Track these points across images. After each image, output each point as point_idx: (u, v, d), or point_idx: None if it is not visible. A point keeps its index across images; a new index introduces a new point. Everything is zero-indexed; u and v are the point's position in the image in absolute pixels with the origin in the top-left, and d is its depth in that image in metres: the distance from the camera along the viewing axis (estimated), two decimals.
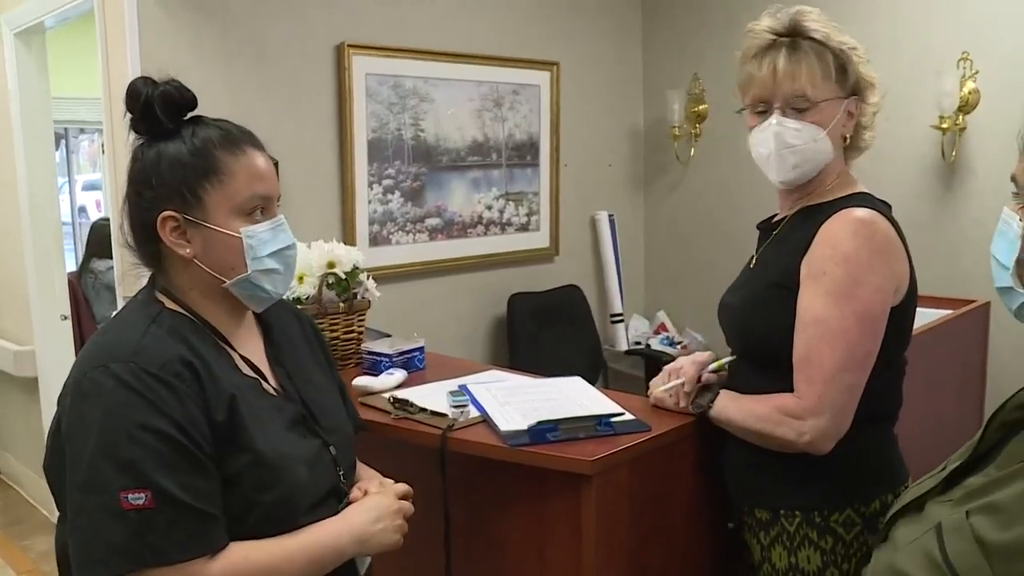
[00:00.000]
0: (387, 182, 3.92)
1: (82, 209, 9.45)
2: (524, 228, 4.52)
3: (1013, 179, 1.04)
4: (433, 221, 4.12)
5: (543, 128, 4.53)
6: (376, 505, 1.48)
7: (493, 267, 4.40)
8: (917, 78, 3.75)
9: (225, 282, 1.40)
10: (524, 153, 4.46)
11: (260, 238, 1.39)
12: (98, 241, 6.28)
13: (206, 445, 1.30)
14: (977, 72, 3.71)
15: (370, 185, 3.86)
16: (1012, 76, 3.59)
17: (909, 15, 3.93)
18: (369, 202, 3.86)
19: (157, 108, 1.36)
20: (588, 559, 1.66)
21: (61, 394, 1.35)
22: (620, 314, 4.85)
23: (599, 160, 4.86)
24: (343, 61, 3.68)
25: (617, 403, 1.86)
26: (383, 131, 3.87)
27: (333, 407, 1.59)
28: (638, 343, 4.87)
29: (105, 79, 3.40)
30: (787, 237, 1.75)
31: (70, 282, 5.82)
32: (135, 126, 1.40)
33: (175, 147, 1.36)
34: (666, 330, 4.94)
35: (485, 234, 4.34)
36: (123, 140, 3.14)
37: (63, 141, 9.01)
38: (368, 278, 2.35)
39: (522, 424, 1.71)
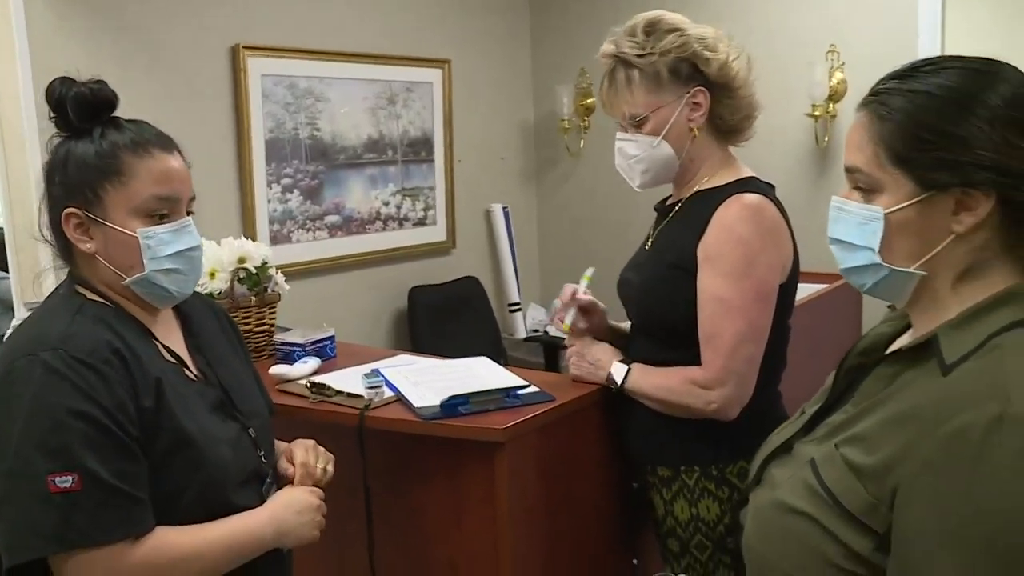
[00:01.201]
0: (286, 181, 3.96)
1: None
2: (421, 223, 4.61)
3: (853, 169, 1.17)
4: (332, 218, 4.18)
5: (436, 125, 4.63)
6: (299, 499, 1.55)
7: (392, 262, 4.48)
8: (791, 69, 3.98)
9: (125, 279, 1.43)
10: (419, 149, 4.55)
11: (159, 239, 1.43)
12: None
13: (133, 430, 1.34)
14: (843, 63, 3.97)
15: (269, 184, 3.90)
16: (875, 66, 3.76)
17: (780, 9, 4.17)
18: (268, 201, 3.90)
19: (69, 108, 1.41)
20: (503, 523, 1.78)
21: None
22: (517, 303, 4.97)
23: (492, 154, 4.98)
24: (238, 62, 3.71)
25: (522, 378, 1.98)
26: (280, 131, 3.92)
27: (250, 392, 1.65)
28: (536, 331, 4.98)
29: None
30: (682, 220, 1.90)
31: None
32: (55, 123, 1.45)
33: (83, 147, 1.41)
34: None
35: (383, 230, 4.42)
36: (16, 142, 3.14)
37: None
38: (277, 272, 2.42)
39: (435, 400, 1.82)
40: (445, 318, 4.47)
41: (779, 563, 1.15)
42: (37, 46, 3.14)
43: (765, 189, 1.85)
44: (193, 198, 1.50)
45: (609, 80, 1.88)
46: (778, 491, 1.19)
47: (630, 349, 1.97)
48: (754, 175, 1.90)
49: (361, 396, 1.91)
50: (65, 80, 1.43)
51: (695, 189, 1.90)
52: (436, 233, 4.70)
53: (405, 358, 2.28)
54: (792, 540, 1.13)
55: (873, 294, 1.19)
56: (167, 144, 1.47)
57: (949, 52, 3.87)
